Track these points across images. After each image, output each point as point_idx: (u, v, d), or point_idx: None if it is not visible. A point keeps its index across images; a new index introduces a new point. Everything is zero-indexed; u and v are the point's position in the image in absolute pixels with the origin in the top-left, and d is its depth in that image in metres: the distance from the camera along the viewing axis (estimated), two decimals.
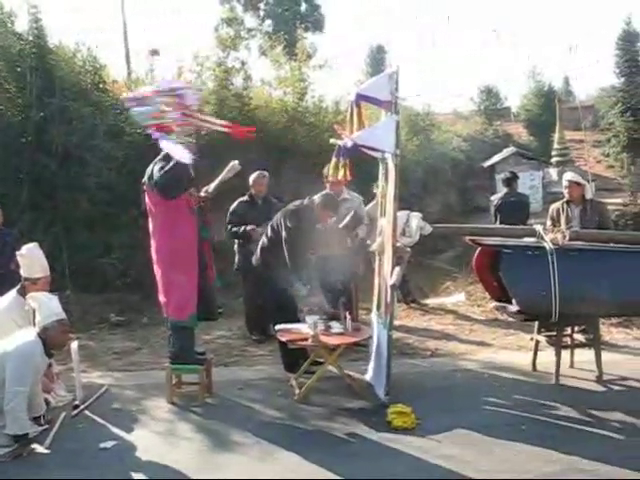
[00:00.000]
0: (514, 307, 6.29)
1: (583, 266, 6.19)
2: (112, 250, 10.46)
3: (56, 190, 10.50)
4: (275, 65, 16.17)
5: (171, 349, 6.02)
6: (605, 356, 6.54)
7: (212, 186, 6.19)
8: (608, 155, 36.22)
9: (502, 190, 10.60)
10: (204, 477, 4.54)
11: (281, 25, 36.81)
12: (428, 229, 7.04)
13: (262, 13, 41.95)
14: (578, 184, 7.56)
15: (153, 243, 5.95)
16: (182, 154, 5.33)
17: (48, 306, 5.24)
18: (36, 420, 5.27)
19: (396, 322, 7.71)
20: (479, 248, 6.61)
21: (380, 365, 5.90)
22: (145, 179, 5.89)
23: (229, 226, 8.03)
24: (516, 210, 9.65)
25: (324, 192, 6.92)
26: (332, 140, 6.21)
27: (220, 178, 6.23)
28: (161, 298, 5.95)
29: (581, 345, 6.76)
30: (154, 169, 5.77)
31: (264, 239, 6.72)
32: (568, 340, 6.81)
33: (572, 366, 6.77)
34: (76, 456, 4.86)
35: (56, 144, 10.48)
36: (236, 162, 6.28)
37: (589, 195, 7.68)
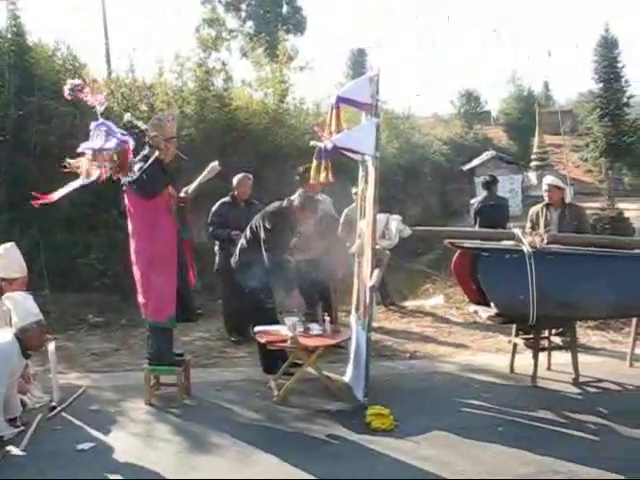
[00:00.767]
0: (492, 310, 6.33)
1: (561, 269, 6.25)
2: (91, 250, 10.40)
3: (34, 189, 10.40)
4: (256, 66, 16.18)
5: (150, 350, 6.00)
6: (582, 358, 6.62)
7: (192, 187, 6.17)
8: (586, 160, 36.68)
9: (482, 194, 10.66)
10: (182, 478, 4.53)
11: (262, 26, 36.84)
12: (407, 232, 7.05)
13: (243, 14, 41.94)
14: (558, 188, 7.65)
15: (132, 244, 5.92)
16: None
17: (24, 307, 5.21)
18: (12, 422, 5.23)
19: (375, 324, 7.74)
20: (458, 251, 6.65)
21: (359, 367, 5.91)
22: (125, 180, 5.86)
23: (211, 227, 8.02)
24: (496, 214, 9.73)
25: (303, 194, 6.93)
26: (312, 142, 6.22)
27: (200, 179, 6.21)
28: (140, 299, 5.93)
29: (558, 348, 6.83)
30: (133, 169, 5.76)
31: (243, 241, 6.72)
32: (545, 343, 6.86)
33: (549, 368, 6.84)
34: (53, 458, 4.81)
35: (35, 143, 10.40)
36: (216, 163, 6.27)
37: (568, 199, 7.78)
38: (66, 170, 5.77)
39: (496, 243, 6.66)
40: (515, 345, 6.88)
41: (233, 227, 7.67)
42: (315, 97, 16.75)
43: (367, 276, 5.81)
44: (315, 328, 6.16)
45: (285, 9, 42.35)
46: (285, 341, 5.86)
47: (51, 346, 5.98)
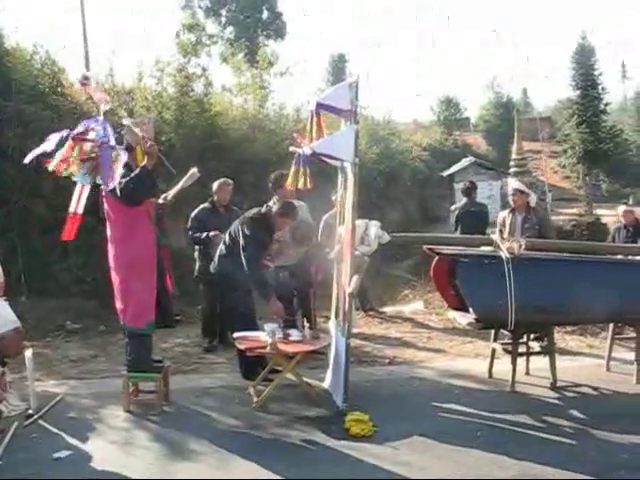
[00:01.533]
0: (471, 315, 6.36)
1: (538, 275, 6.31)
2: (69, 256, 10.31)
3: (12, 194, 10.33)
4: (236, 72, 16.18)
5: (128, 357, 5.95)
6: (560, 363, 6.68)
7: (171, 193, 6.16)
8: (564, 166, 37.03)
9: (462, 200, 10.72)
10: None
11: (243, 32, 36.89)
12: (386, 238, 7.12)
13: (224, 20, 41.90)
14: (522, 192, 7.77)
15: (111, 249, 5.88)
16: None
17: (1, 314, 5.16)
18: None
19: (354, 330, 7.74)
20: (437, 257, 6.68)
21: (338, 373, 5.92)
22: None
23: (190, 232, 7.99)
24: (476, 220, 9.80)
25: (282, 200, 6.94)
26: (291, 148, 6.23)
27: (179, 186, 6.20)
28: (118, 305, 5.88)
29: (536, 353, 6.87)
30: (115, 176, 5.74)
31: (222, 247, 6.71)
32: (524, 348, 6.91)
33: (528, 373, 6.89)
34: (29, 466, 4.75)
35: (13, 147, 10.30)
36: (195, 169, 6.26)
37: (533, 203, 7.87)
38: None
39: (474, 249, 6.71)
40: (494, 350, 6.92)
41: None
42: (295, 103, 16.79)
43: (346, 282, 5.82)
44: (294, 334, 6.17)
45: (265, 15, 42.36)
46: (264, 347, 5.85)
47: (28, 353, 5.92)
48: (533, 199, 7.94)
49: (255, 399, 5.96)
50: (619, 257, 7.45)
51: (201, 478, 4.62)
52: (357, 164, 5.69)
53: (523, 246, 6.38)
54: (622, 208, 9.43)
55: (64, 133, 5.35)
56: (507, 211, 7.91)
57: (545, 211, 8.19)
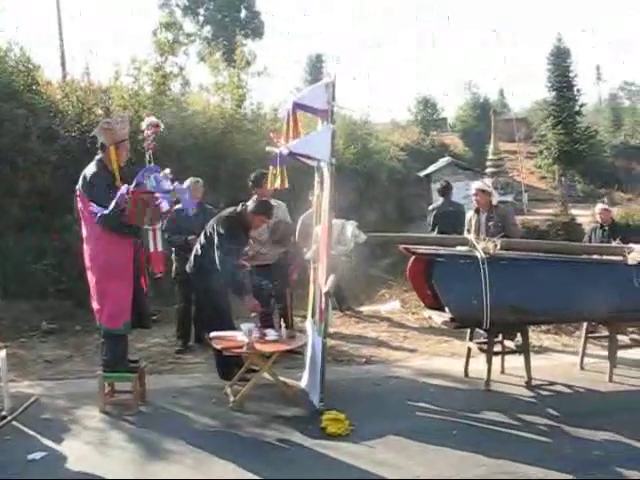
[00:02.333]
0: (446, 315, 6.41)
1: (514, 275, 6.37)
2: (45, 256, 10.22)
3: None
4: (214, 71, 16.12)
5: (104, 357, 5.92)
6: (534, 362, 6.76)
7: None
8: (540, 167, 37.35)
9: (438, 200, 10.77)
10: None
11: (220, 31, 36.77)
12: (363, 237, 7.09)
13: (201, 19, 41.74)
14: (484, 191, 7.85)
15: (87, 249, 5.85)
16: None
17: None
18: None
19: (331, 329, 7.76)
20: (413, 257, 6.72)
21: (314, 372, 5.93)
22: (79, 185, 5.80)
23: (166, 234, 7.94)
24: (454, 220, 9.83)
25: (258, 198, 6.94)
26: (268, 148, 6.24)
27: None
28: (94, 305, 5.85)
29: (511, 352, 6.93)
30: (86, 174, 5.72)
31: (197, 246, 6.70)
32: (499, 347, 6.97)
33: (503, 372, 6.96)
34: (2, 469, 4.72)
35: None
36: (167, 171, 6.23)
37: (495, 202, 7.97)
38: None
39: (450, 249, 6.76)
40: (469, 349, 6.97)
41: (187, 232, 7.63)
42: (273, 102, 16.78)
43: (323, 282, 5.83)
44: (271, 334, 6.17)
45: (243, 13, 42.28)
46: (241, 347, 5.85)
47: (2, 353, 5.87)
48: (495, 197, 8.04)
49: (232, 399, 5.95)
50: (594, 257, 7.54)
51: (178, 478, 4.62)
52: (333, 164, 5.71)
53: (498, 246, 6.44)
54: (599, 206, 9.53)
55: (123, 190, 5.43)
56: (472, 211, 8.00)
57: (507, 209, 8.31)
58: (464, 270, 6.25)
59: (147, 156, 6.07)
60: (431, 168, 25.35)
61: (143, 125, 6.20)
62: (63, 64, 19.59)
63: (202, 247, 6.59)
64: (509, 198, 24.57)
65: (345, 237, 6.93)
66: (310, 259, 6.76)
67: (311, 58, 43.78)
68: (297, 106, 6.01)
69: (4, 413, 5.67)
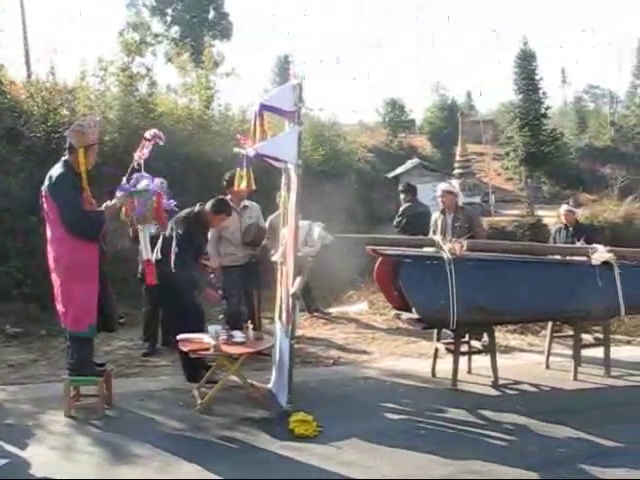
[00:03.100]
0: (414, 315, 6.45)
1: (480, 275, 6.43)
2: (9, 258, 10.09)
3: None
4: (181, 72, 16.06)
5: (70, 361, 5.86)
6: (501, 362, 6.85)
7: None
8: (507, 168, 37.78)
9: (406, 201, 10.81)
10: None
11: (188, 32, 36.59)
12: (329, 239, 7.12)
13: (169, 19, 41.49)
14: (450, 192, 7.93)
15: (51, 251, 5.78)
16: None
17: None
18: None
19: (299, 331, 7.77)
20: (380, 258, 6.74)
21: (282, 374, 5.93)
22: (44, 185, 5.73)
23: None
24: (423, 221, 9.87)
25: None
26: (235, 149, 6.23)
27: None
28: (59, 308, 5.79)
29: (478, 352, 7.00)
30: (52, 174, 5.66)
31: (158, 248, 6.68)
32: (466, 347, 7.02)
33: (470, 372, 7.03)
34: None
35: None
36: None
37: (461, 203, 8.05)
38: None
39: (417, 250, 6.80)
40: (436, 350, 7.02)
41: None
42: (241, 103, 16.77)
43: (290, 283, 5.84)
44: (238, 336, 6.15)
45: (212, 14, 42.11)
46: (208, 349, 5.82)
47: None
48: (461, 198, 8.12)
49: (199, 401, 5.92)
50: (558, 257, 7.65)
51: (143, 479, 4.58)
52: (300, 165, 5.72)
53: (465, 247, 6.50)
54: (564, 208, 9.66)
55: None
56: (438, 212, 8.07)
57: (473, 210, 8.44)
58: (431, 271, 6.30)
59: (135, 164, 6.00)
60: (399, 170, 25.54)
61: (147, 135, 6.15)
62: (27, 63, 19.34)
63: (162, 249, 6.58)
64: (476, 199, 24.84)
65: (312, 238, 6.95)
66: (277, 261, 6.75)
67: (280, 59, 43.76)
68: (264, 108, 6.00)
69: None
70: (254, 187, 6.21)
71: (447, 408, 5.96)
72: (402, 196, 10.72)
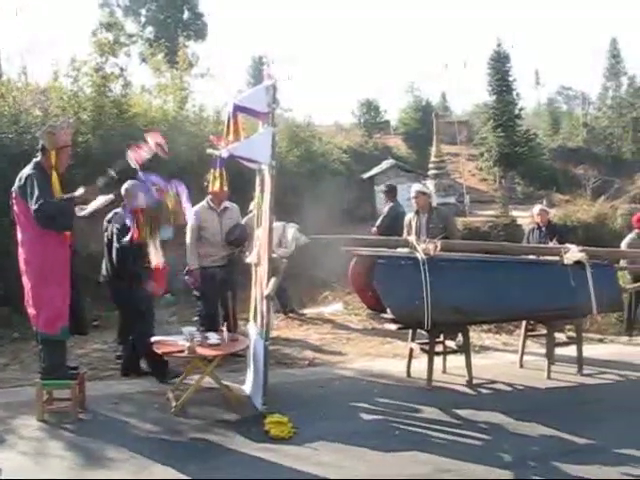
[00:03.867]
0: (388, 315, 6.47)
1: (454, 275, 6.47)
2: None
3: None
4: (156, 72, 15.96)
5: (42, 364, 5.79)
6: (475, 361, 6.89)
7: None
8: (482, 169, 38.06)
9: (386, 202, 10.85)
10: None
11: (163, 32, 36.34)
12: (304, 240, 7.15)
13: (143, 19, 41.24)
14: (423, 193, 7.99)
15: (22, 253, 5.72)
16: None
17: None
18: None
19: (274, 332, 7.77)
20: (354, 259, 6.75)
21: (257, 375, 5.93)
22: (15, 186, 5.67)
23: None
24: (397, 222, 9.90)
25: (212, 199, 6.93)
26: (209, 151, 6.21)
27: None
28: (30, 311, 5.72)
29: (453, 351, 7.04)
30: (22, 175, 5.60)
31: (105, 252, 6.68)
32: (440, 347, 7.05)
33: (445, 372, 7.06)
34: None
35: None
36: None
37: (434, 203, 8.09)
38: None
39: (391, 250, 6.82)
40: (411, 350, 7.04)
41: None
42: (215, 104, 16.70)
43: (264, 284, 5.83)
44: (213, 337, 6.13)
45: (186, 15, 41.92)
46: (182, 351, 5.79)
47: None
48: (434, 199, 8.17)
49: (174, 404, 5.89)
50: (532, 257, 7.71)
51: None
52: (274, 166, 5.71)
53: (439, 247, 6.53)
54: (537, 208, 9.75)
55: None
56: (412, 213, 8.10)
57: (447, 210, 8.53)
58: (405, 271, 6.32)
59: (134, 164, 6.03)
60: (374, 170, 25.61)
61: (150, 140, 6.12)
62: None
63: (109, 252, 6.58)
64: (451, 200, 24.95)
65: (286, 240, 6.97)
66: (251, 262, 6.74)
67: (254, 60, 43.71)
68: (238, 109, 5.99)
69: None
70: (226, 188, 6.20)
71: (422, 408, 5.99)
72: (383, 196, 10.76)
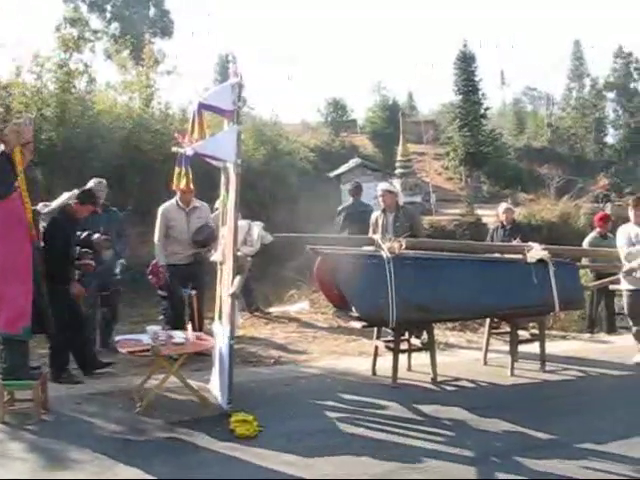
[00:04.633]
0: (354, 314, 6.49)
1: (418, 274, 6.50)
2: None
3: None
4: (121, 69, 15.83)
5: (3, 364, 5.70)
6: (440, 358, 6.95)
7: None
8: (448, 168, 38.42)
9: (349, 200, 10.88)
10: None
11: (128, 28, 35.93)
12: (269, 238, 7.14)
13: (109, 15, 40.78)
14: (390, 192, 8.04)
15: None
16: None
17: None
18: None
19: (240, 331, 7.75)
20: (319, 257, 6.76)
21: (223, 374, 5.89)
22: None
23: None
24: (363, 220, 9.93)
25: (181, 197, 6.86)
26: (174, 148, 6.18)
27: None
28: None
29: (418, 349, 7.08)
30: None
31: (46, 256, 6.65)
32: (405, 345, 7.09)
33: (410, 369, 7.09)
34: None
35: None
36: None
37: (401, 202, 8.15)
38: None
39: (356, 249, 6.84)
40: (376, 348, 7.07)
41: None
42: (182, 102, 16.63)
43: (229, 283, 5.81)
44: (178, 336, 6.09)
45: (152, 11, 41.59)
46: (147, 350, 5.75)
47: None
48: (401, 198, 8.23)
49: (138, 403, 5.85)
50: (496, 255, 7.79)
51: None
52: (239, 165, 5.70)
53: (404, 246, 6.56)
54: (503, 206, 9.87)
55: None
56: (379, 211, 8.14)
57: (413, 209, 8.63)
58: (370, 270, 6.34)
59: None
60: (341, 169, 25.71)
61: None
62: None
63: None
64: (417, 199, 25.13)
65: (252, 238, 6.96)
66: (217, 260, 6.72)
67: (221, 58, 43.53)
68: (202, 106, 5.97)
69: None
70: (191, 186, 6.18)
71: (387, 405, 6.03)
72: (349, 195, 10.83)
